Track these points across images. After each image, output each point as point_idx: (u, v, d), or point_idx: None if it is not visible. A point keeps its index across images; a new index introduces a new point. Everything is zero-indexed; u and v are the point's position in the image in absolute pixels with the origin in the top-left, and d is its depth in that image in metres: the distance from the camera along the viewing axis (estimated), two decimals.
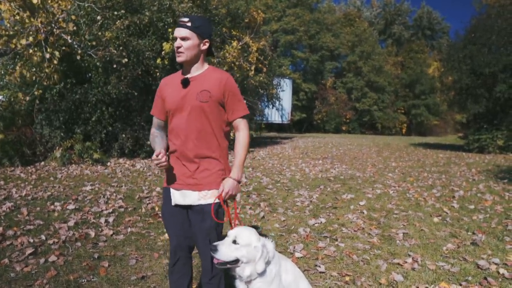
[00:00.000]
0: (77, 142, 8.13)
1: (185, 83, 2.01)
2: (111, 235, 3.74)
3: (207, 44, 2.04)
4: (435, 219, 4.61)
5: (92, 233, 3.73)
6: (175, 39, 1.99)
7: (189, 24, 1.96)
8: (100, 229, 3.89)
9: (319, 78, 39.41)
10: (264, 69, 13.44)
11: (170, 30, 8.65)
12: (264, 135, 24.07)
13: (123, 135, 8.83)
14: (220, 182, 2.00)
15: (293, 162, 10.25)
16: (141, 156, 9.13)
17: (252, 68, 11.96)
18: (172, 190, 2.06)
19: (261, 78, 12.64)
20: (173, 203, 2.05)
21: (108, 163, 8.27)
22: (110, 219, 4.20)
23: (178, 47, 1.97)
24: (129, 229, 3.90)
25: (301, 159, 11.14)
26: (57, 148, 8.00)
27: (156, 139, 2.12)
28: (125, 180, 6.71)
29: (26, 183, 6.20)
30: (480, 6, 18.20)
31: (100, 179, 6.69)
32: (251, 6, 14.08)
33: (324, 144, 18.26)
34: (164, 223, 2.16)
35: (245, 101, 2.13)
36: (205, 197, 1.98)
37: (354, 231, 4.13)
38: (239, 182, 2.01)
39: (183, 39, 1.96)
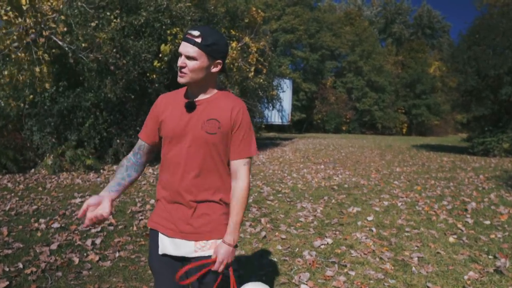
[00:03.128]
0: (69, 149, 7.76)
1: (191, 107, 1.62)
2: (97, 261, 3.39)
3: (219, 66, 1.63)
4: (451, 239, 4.27)
5: (76, 259, 3.37)
6: (179, 54, 1.59)
7: (199, 40, 1.53)
8: (85, 253, 3.54)
9: (319, 78, 39.04)
10: (264, 70, 13.08)
11: (168, 31, 8.28)
12: (263, 135, 23.70)
13: (118, 141, 8.46)
14: (222, 229, 1.64)
15: (294, 168, 9.91)
16: None
17: (252, 69, 11.61)
18: (160, 236, 1.67)
19: (261, 80, 12.27)
20: (160, 252, 1.67)
21: (101, 170, 7.91)
22: (98, 240, 3.84)
23: (182, 67, 1.57)
24: (117, 254, 3.55)
25: (302, 164, 10.80)
26: (48, 155, 7.63)
27: (121, 169, 1.71)
28: None
29: (13, 194, 5.85)
30: (480, 6, 17.86)
31: (92, 189, 6.33)
32: (250, 5, 13.69)
33: (325, 146, 17.92)
34: (152, 273, 1.75)
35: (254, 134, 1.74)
36: (203, 248, 1.62)
37: (364, 254, 3.78)
38: (235, 246, 1.63)
39: (189, 58, 1.55)
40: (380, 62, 40.04)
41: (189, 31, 1.55)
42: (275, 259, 3.57)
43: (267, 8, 32.24)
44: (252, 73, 11.49)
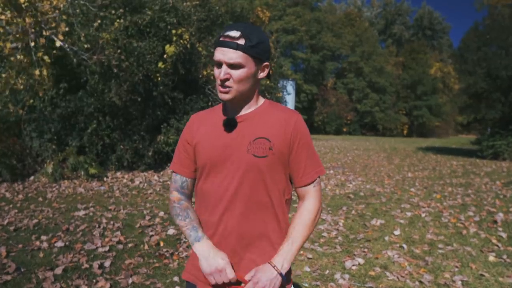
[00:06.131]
0: (70, 155, 7.36)
1: (231, 124, 1.27)
2: None
3: (266, 70, 1.30)
4: (491, 258, 3.92)
5: (84, 287, 3.00)
6: (217, 64, 1.23)
7: (241, 41, 1.19)
8: (94, 279, 3.17)
9: (320, 79, 38.78)
10: (270, 72, 12.71)
11: (173, 31, 7.91)
12: None
13: (121, 146, 8.07)
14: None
15: None
16: (140, 169, 8.37)
17: None
18: None
19: (268, 82, 11.91)
20: None
21: (105, 178, 7.53)
22: (107, 263, 3.47)
23: (225, 80, 1.21)
24: (130, 279, 3.18)
25: None
26: (48, 162, 7.24)
27: (189, 212, 1.35)
28: (123, 201, 5.97)
29: (11, 205, 5.46)
30: (481, 7, 17.60)
31: (95, 200, 5.95)
32: (255, 5, 13.33)
33: (330, 149, 17.59)
34: None
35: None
36: None
37: (402, 276, 3.43)
38: (281, 275, 1.23)
39: (232, 66, 1.20)
40: (381, 63, 39.83)
41: (226, 33, 1.21)
42: (307, 285, 3.21)
43: (268, 8, 31.95)
44: None
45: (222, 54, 1.20)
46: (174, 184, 1.40)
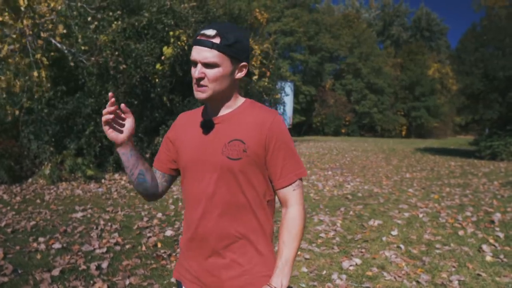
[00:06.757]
0: (68, 157, 7.36)
1: (207, 126, 1.27)
2: None
3: (245, 70, 1.27)
4: (488, 258, 3.93)
5: None
6: (193, 63, 1.22)
7: (217, 40, 1.17)
8: (91, 280, 3.17)
9: (318, 80, 38.80)
10: (268, 73, 12.75)
11: (171, 33, 7.92)
12: None
13: None
14: (260, 284, 1.25)
15: None
16: None
17: (256, 72, 11.27)
18: None
19: (265, 83, 11.95)
20: None
21: (103, 180, 7.52)
22: (104, 264, 3.47)
23: (200, 79, 1.20)
24: (127, 281, 3.18)
25: (309, 170, 10.46)
26: (46, 164, 7.23)
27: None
28: (121, 202, 5.97)
29: (9, 207, 5.46)
30: (479, 8, 17.65)
31: (93, 202, 5.95)
32: (252, 7, 13.36)
33: (329, 150, 17.60)
34: None
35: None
36: None
37: (399, 277, 3.44)
38: None
39: (207, 65, 1.19)
40: (379, 64, 39.85)
41: (202, 31, 1.20)
42: (304, 285, 3.22)
43: (266, 10, 31.98)
44: (256, 76, 11.14)
45: (197, 53, 1.19)
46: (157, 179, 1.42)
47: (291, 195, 1.28)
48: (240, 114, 1.28)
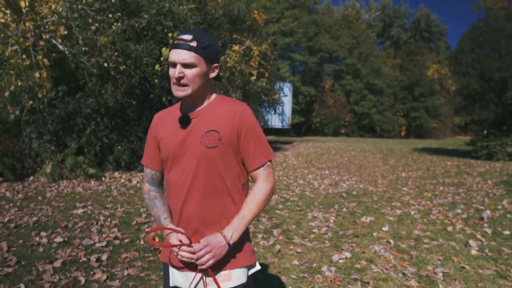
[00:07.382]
0: (69, 156, 7.52)
1: (185, 121, 1.44)
2: (105, 280, 3.17)
3: (216, 71, 1.46)
4: (473, 252, 4.08)
5: (82, 279, 3.15)
6: (172, 65, 1.39)
7: (194, 44, 1.35)
8: (91, 271, 3.32)
9: (318, 81, 38.94)
10: (266, 74, 12.90)
11: (170, 34, 8.08)
12: None
13: (119, 147, 8.23)
14: (239, 257, 1.44)
15: (299, 173, 9.71)
16: (138, 169, 8.53)
17: (254, 73, 11.42)
18: (171, 268, 1.51)
19: (264, 83, 12.09)
20: (171, 284, 1.50)
21: (103, 178, 7.68)
22: (104, 257, 3.62)
23: (180, 78, 1.37)
24: (125, 272, 3.33)
25: (307, 169, 10.61)
26: (47, 162, 7.39)
27: (156, 201, 1.54)
28: (121, 199, 6.13)
29: (11, 204, 5.61)
30: (478, 9, 17.79)
31: (93, 199, 6.10)
32: (252, 8, 13.51)
33: (327, 150, 17.75)
34: None
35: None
36: (218, 279, 1.43)
37: (386, 269, 3.58)
38: (229, 245, 1.39)
39: (186, 65, 1.36)
40: (378, 65, 39.98)
41: (180, 36, 1.38)
42: (294, 276, 3.37)
43: (266, 11, 32.14)
44: (255, 77, 11.30)
45: (177, 55, 1.36)
46: (146, 176, 1.60)
47: (262, 174, 1.47)
48: (213, 108, 1.46)
